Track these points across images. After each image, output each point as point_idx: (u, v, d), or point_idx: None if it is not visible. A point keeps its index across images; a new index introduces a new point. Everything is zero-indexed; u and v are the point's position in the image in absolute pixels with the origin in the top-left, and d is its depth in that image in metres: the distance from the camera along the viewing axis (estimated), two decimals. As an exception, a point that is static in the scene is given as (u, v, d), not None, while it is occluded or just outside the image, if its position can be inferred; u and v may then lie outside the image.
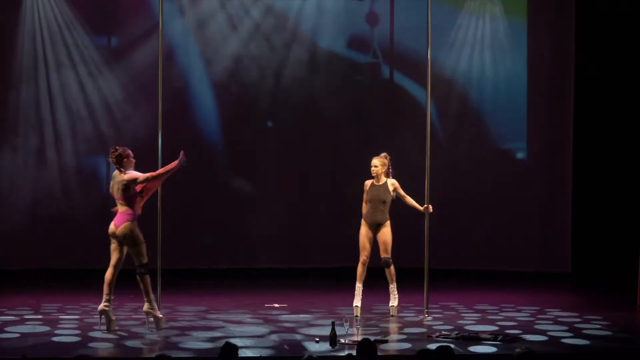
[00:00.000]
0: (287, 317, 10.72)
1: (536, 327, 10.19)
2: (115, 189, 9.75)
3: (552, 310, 11.27)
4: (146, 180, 9.69)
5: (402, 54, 14.45)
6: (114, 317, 9.73)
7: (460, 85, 14.64)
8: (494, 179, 14.63)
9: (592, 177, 14.46)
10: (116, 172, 9.79)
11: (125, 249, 9.75)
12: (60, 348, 8.92)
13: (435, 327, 10.07)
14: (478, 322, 10.42)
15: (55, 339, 9.33)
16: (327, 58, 14.40)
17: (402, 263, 14.15)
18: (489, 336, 9.47)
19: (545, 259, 14.64)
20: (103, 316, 9.68)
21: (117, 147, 9.80)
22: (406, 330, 9.99)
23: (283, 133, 14.54)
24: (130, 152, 9.80)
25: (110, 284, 9.70)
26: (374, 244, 10.73)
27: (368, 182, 10.76)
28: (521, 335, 9.62)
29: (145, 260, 9.68)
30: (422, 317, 10.72)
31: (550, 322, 10.50)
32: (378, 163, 10.65)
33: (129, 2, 14.17)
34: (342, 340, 9.13)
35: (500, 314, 11.03)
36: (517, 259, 14.56)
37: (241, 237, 14.15)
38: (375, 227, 10.67)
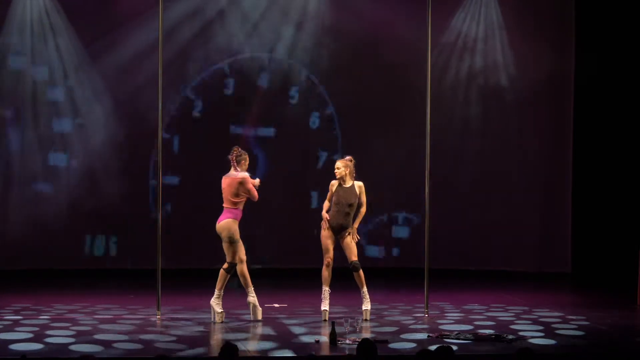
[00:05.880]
0: (287, 317, 10.72)
1: (536, 327, 10.18)
2: (226, 184, 10.28)
3: (552, 310, 11.27)
4: (250, 192, 10.27)
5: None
6: (260, 308, 10.41)
7: (460, 85, 14.66)
8: (494, 179, 14.64)
9: (592, 177, 14.48)
10: (231, 171, 10.29)
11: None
12: (60, 348, 8.90)
13: (435, 327, 10.06)
14: (478, 322, 10.41)
15: (54, 339, 9.31)
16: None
17: (402, 263, 14.23)
18: (489, 336, 9.47)
19: (545, 259, 14.64)
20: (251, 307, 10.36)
21: (238, 147, 10.38)
22: (406, 330, 9.98)
23: (283, 132, 14.55)
24: (246, 154, 10.40)
25: (246, 277, 10.32)
26: (337, 247, 10.66)
27: (334, 183, 10.61)
28: (521, 335, 9.61)
29: (234, 260, 10.28)
30: (422, 317, 10.72)
31: (551, 322, 10.49)
32: (340, 165, 10.55)
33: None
34: (342, 340, 9.12)
35: (500, 314, 11.03)
36: (517, 259, 14.57)
37: (242, 237, 14.12)
38: (339, 231, 10.57)
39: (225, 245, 10.33)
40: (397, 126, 14.49)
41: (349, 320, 9.24)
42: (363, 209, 10.61)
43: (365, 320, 10.45)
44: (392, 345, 9.14)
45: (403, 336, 9.59)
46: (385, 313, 10.99)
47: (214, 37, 14.21)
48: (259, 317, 10.36)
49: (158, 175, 10.63)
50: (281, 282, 13.41)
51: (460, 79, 14.66)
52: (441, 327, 10.04)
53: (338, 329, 9.18)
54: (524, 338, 9.47)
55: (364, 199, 10.60)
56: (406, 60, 14.11)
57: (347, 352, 8.60)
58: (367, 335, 9.55)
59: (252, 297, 10.36)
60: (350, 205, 10.53)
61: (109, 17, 13.93)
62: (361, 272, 10.57)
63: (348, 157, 10.65)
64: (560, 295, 12.93)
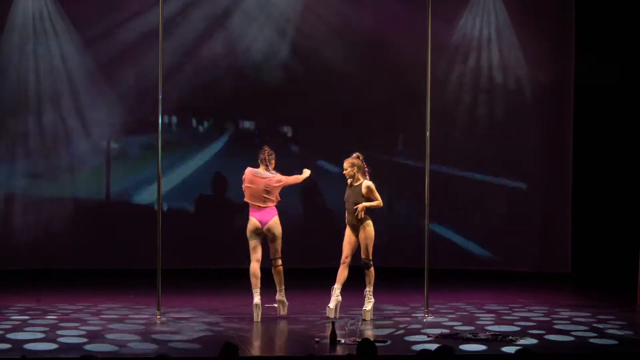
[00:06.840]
0: (287, 317, 10.73)
1: (534, 327, 10.18)
2: (263, 185, 10.30)
3: (551, 310, 11.27)
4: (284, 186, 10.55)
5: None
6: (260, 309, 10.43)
7: (461, 86, 14.67)
8: (493, 179, 14.64)
9: (592, 177, 14.47)
10: (261, 170, 10.38)
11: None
12: (60, 348, 8.91)
13: (435, 327, 10.07)
14: (477, 322, 10.41)
15: (55, 339, 9.31)
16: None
17: (403, 263, 14.22)
18: (487, 336, 9.48)
19: (545, 259, 14.65)
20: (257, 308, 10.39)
21: (268, 147, 10.49)
22: (405, 330, 9.99)
23: (283, 133, 14.56)
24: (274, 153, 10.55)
25: (259, 278, 10.43)
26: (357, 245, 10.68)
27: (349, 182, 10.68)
28: (519, 336, 9.61)
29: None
30: (422, 317, 10.72)
31: (545, 322, 10.50)
32: (347, 165, 10.53)
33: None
34: (342, 340, 9.13)
35: (499, 314, 11.03)
36: (517, 259, 14.57)
37: (242, 237, 14.13)
38: (356, 229, 10.59)
39: (275, 242, 10.54)
40: (401, 126, 14.52)
41: (350, 321, 9.24)
42: (379, 203, 10.56)
43: (364, 320, 10.44)
44: (392, 345, 9.14)
45: (402, 336, 9.60)
46: (390, 313, 11.01)
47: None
48: (259, 319, 10.36)
49: (158, 172, 10.62)
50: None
51: (461, 79, 14.66)
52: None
53: (338, 329, 9.18)
54: (523, 338, 9.50)
55: (376, 195, 10.54)
56: (409, 62, 14.13)
57: (347, 352, 8.60)
58: (367, 335, 9.56)
59: (257, 300, 10.37)
60: (357, 204, 10.51)
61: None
62: (372, 270, 10.56)
63: (355, 155, 10.61)
64: (560, 295, 12.92)
